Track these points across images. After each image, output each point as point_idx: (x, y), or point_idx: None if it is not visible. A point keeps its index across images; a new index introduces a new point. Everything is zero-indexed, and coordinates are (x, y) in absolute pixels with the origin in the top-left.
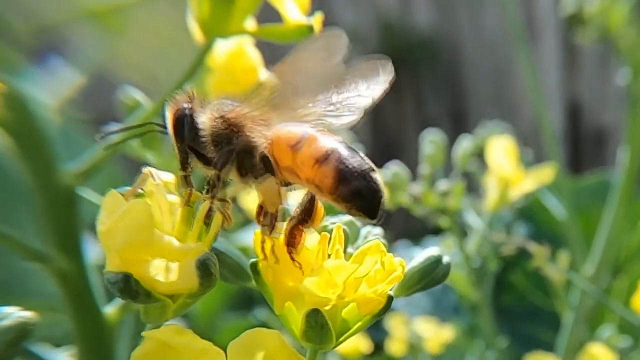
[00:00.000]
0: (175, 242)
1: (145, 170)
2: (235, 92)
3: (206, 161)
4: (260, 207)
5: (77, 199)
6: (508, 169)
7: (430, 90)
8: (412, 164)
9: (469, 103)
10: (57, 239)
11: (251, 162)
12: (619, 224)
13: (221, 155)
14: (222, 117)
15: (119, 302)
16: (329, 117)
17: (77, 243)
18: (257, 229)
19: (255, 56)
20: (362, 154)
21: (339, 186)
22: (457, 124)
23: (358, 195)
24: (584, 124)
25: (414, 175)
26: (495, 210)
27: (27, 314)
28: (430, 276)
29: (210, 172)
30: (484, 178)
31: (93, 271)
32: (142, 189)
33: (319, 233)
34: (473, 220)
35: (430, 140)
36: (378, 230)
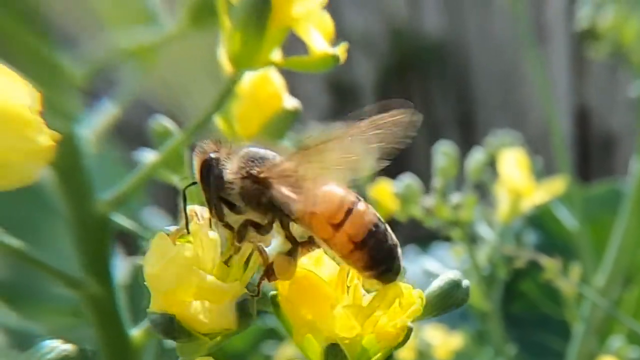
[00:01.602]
0: (216, 282)
1: (190, 209)
2: (259, 118)
3: (234, 210)
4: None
5: (109, 226)
6: (520, 180)
7: (438, 95)
8: (420, 168)
9: (477, 107)
10: (89, 264)
11: (280, 221)
12: (631, 235)
13: (242, 224)
14: (250, 172)
15: (143, 325)
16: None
17: (107, 268)
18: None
19: (279, 83)
20: (389, 230)
21: (367, 270)
22: (465, 128)
23: (381, 276)
24: (592, 129)
25: (422, 179)
26: (506, 222)
27: (68, 347)
28: (449, 300)
29: (236, 223)
30: (495, 187)
31: (120, 294)
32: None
33: (338, 263)
34: (485, 231)
35: (443, 152)
36: None
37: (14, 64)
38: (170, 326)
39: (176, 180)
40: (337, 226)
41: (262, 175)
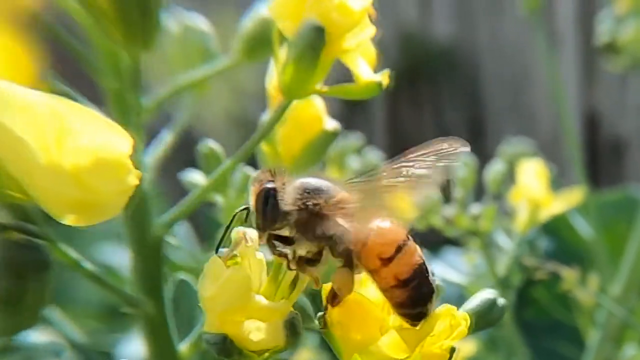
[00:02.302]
0: (264, 301)
1: (239, 232)
2: (301, 140)
3: (287, 239)
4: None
5: (163, 247)
6: (538, 191)
7: (448, 100)
8: None
9: (487, 112)
10: (144, 284)
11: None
12: None
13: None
14: (307, 204)
15: (190, 340)
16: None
17: (160, 288)
18: (327, 285)
19: (320, 106)
20: (431, 275)
21: (402, 308)
22: (475, 133)
23: (414, 317)
24: (601, 134)
25: None
26: (524, 231)
27: None
28: (486, 319)
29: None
30: (510, 194)
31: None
32: (235, 251)
33: None
34: (503, 241)
35: (463, 163)
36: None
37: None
38: (224, 346)
39: (220, 202)
40: (386, 261)
41: (319, 208)
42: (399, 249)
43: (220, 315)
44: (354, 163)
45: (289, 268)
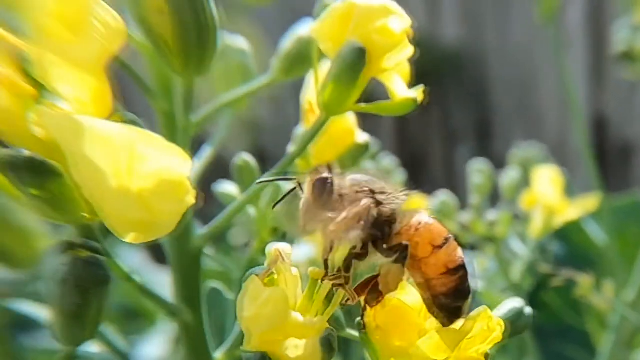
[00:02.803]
0: (301, 319)
1: (274, 249)
2: (333, 153)
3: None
4: (370, 281)
5: (202, 258)
6: (553, 198)
7: (455, 103)
8: (437, 174)
9: (494, 115)
10: (184, 294)
11: (381, 242)
12: None
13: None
14: (360, 194)
15: (225, 348)
16: None
17: (198, 297)
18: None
19: (352, 120)
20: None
21: (446, 299)
22: (482, 136)
23: (452, 311)
24: (609, 138)
25: (439, 186)
26: (539, 237)
27: None
28: (513, 327)
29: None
30: (522, 198)
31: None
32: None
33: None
34: (518, 247)
35: (478, 170)
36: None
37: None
38: None
39: (252, 213)
40: (437, 248)
41: (374, 197)
42: (447, 239)
43: (261, 335)
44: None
45: (344, 271)
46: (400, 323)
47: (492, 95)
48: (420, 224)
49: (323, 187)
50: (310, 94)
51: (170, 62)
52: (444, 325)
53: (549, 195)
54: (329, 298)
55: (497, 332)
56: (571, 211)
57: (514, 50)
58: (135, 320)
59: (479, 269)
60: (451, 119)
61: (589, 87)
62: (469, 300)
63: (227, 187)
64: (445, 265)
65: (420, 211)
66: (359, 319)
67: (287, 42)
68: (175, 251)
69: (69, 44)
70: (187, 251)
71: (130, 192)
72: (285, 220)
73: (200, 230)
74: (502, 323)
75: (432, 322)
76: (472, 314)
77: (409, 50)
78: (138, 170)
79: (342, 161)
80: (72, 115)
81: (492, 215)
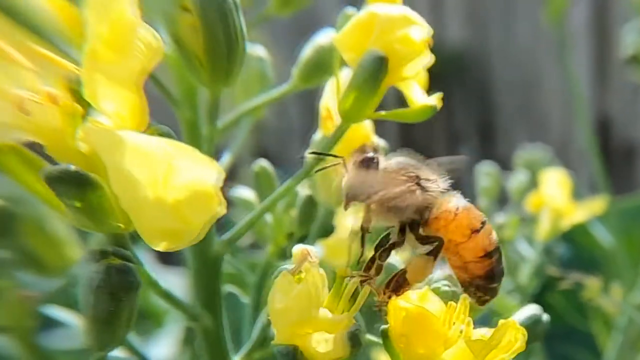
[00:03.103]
0: (329, 314)
1: (303, 249)
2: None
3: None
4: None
5: (221, 264)
6: (561, 201)
7: (459, 104)
8: None
9: (497, 117)
10: (203, 298)
11: (419, 227)
12: None
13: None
14: (407, 173)
15: (244, 352)
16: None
17: (218, 302)
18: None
19: (369, 125)
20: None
21: (485, 279)
22: (486, 138)
23: (489, 291)
24: (613, 139)
25: None
26: (546, 240)
27: None
28: (531, 333)
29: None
30: (529, 201)
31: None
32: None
33: (445, 303)
34: (525, 250)
35: (486, 173)
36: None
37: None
38: (294, 357)
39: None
40: (475, 232)
41: (418, 180)
42: (484, 223)
43: (290, 327)
44: None
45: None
46: (423, 331)
47: (495, 97)
48: (458, 208)
49: (368, 165)
50: (328, 101)
51: (199, 75)
52: (481, 304)
53: (557, 198)
54: (354, 296)
55: (521, 342)
56: (578, 214)
57: (517, 52)
58: (142, 321)
59: None
60: (455, 120)
61: (593, 89)
62: (501, 281)
63: (244, 193)
64: (484, 249)
65: (456, 195)
66: (382, 326)
67: (307, 51)
68: (195, 257)
69: (115, 64)
70: (207, 257)
71: (165, 202)
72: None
73: (221, 237)
74: (525, 332)
75: (455, 331)
76: (500, 324)
77: (429, 58)
78: (173, 182)
79: None
80: (115, 131)
81: (500, 218)
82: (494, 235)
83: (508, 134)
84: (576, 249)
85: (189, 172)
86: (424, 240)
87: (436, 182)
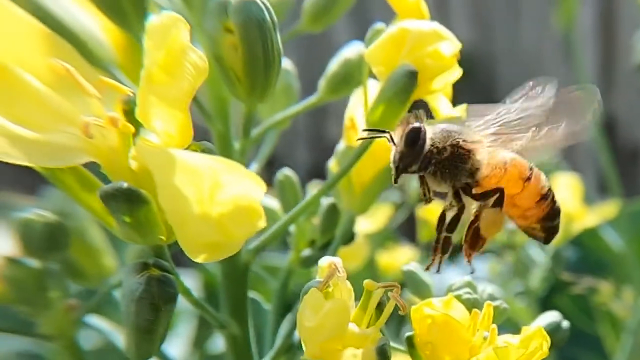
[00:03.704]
0: (357, 329)
1: (331, 262)
2: (374, 169)
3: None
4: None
5: (248, 272)
6: (573, 205)
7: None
8: None
9: None
10: (231, 306)
11: (472, 189)
12: None
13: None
14: (454, 139)
15: (268, 358)
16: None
17: (245, 310)
18: (416, 306)
19: None
20: None
21: (546, 220)
22: None
23: (551, 230)
24: (618, 140)
25: None
26: (557, 245)
27: None
28: (551, 340)
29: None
30: None
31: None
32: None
33: (469, 311)
34: (536, 254)
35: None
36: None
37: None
38: None
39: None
40: (527, 180)
41: (461, 145)
42: (531, 168)
43: (321, 344)
44: None
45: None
46: (449, 338)
47: (501, 98)
48: (506, 162)
49: (416, 137)
50: (353, 111)
51: (236, 90)
52: (546, 243)
53: (567, 203)
54: (380, 308)
55: (545, 349)
56: (589, 218)
57: (523, 54)
58: None
59: (493, 274)
60: None
61: (599, 89)
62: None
63: (269, 202)
64: (539, 193)
65: (501, 149)
66: (408, 333)
67: (335, 64)
68: (224, 266)
69: (167, 85)
70: (236, 266)
71: (211, 217)
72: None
73: (249, 245)
74: (549, 340)
75: (479, 337)
76: (528, 332)
77: (458, 72)
78: (219, 197)
79: (382, 175)
80: (167, 150)
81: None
82: (544, 176)
83: None
84: (584, 252)
85: (233, 187)
86: (482, 197)
87: (481, 142)
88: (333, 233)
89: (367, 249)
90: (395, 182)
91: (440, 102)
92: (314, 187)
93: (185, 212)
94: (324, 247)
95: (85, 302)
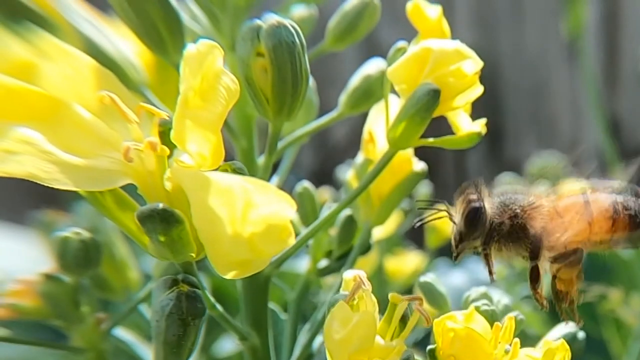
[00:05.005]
0: (382, 342)
1: (356, 276)
2: (392, 181)
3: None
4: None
5: (269, 285)
6: None
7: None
8: (449, 180)
9: (506, 121)
10: (252, 318)
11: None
12: None
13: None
14: (511, 211)
15: None
16: None
17: (266, 322)
18: (438, 319)
19: (410, 149)
20: None
21: (632, 233)
22: (494, 142)
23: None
24: (622, 141)
25: (450, 191)
26: None
27: None
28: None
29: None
30: None
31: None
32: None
33: (491, 324)
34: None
35: (507, 183)
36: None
37: None
38: None
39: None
40: (613, 217)
41: (520, 215)
42: (587, 203)
43: (349, 357)
44: None
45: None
46: (471, 352)
47: (504, 101)
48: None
49: (476, 217)
50: (372, 125)
51: (264, 110)
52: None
53: None
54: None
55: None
56: None
57: (527, 57)
58: None
59: (499, 278)
60: None
61: (602, 91)
62: None
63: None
64: (610, 218)
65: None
66: (430, 346)
67: (356, 79)
68: (245, 279)
69: (202, 109)
70: (257, 279)
71: (243, 237)
72: None
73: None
74: (570, 352)
75: (500, 350)
76: (551, 345)
77: (479, 90)
78: (250, 217)
79: (399, 188)
80: (201, 172)
81: None
82: (604, 196)
83: (517, 139)
84: (591, 257)
85: (265, 207)
86: (560, 260)
87: (541, 206)
88: (350, 244)
89: (376, 255)
90: (455, 259)
91: (461, 118)
92: (323, 193)
93: (218, 232)
94: (341, 258)
95: (112, 315)
